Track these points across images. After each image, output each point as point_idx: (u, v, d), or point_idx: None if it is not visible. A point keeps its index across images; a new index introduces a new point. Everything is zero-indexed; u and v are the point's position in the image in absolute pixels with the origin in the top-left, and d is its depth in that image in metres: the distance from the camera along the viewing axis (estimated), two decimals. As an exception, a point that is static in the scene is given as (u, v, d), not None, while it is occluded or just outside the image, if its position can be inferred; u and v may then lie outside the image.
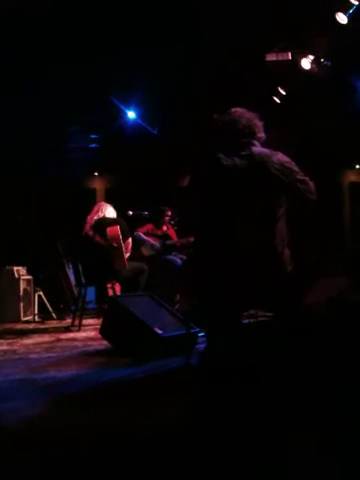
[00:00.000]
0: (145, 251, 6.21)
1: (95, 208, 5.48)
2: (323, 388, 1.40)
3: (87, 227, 5.27)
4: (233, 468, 1.30)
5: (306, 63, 5.41)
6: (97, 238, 5.15)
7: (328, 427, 1.32)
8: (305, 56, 5.33)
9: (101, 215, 5.33)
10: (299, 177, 2.74)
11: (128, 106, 7.15)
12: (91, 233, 5.20)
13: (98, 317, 5.77)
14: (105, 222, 5.25)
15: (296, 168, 2.77)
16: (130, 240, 5.40)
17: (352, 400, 1.37)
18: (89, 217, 5.36)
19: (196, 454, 1.41)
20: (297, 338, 1.59)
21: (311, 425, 1.33)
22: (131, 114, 7.29)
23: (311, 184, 2.77)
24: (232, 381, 1.49)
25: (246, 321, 4.06)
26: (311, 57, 5.34)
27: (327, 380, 1.41)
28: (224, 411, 1.43)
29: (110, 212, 5.42)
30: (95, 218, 5.29)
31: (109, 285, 5.31)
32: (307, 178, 2.77)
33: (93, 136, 8.16)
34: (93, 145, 8.35)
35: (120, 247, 5.06)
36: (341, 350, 1.50)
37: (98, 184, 9.31)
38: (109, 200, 5.74)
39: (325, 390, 1.39)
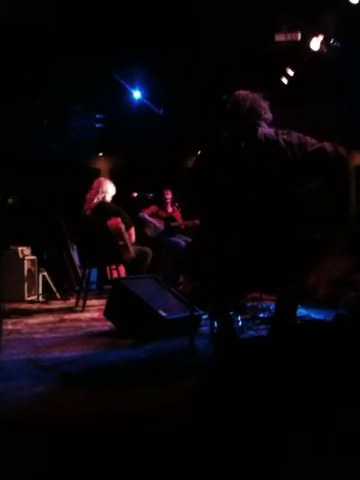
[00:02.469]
0: (149, 232, 6.21)
1: (95, 184, 5.33)
2: (319, 392, 1.40)
3: (88, 206, 5.19)
4: (232, 467, 1.31)
5: (315, 43, 5.32)
6: (100, 225, 5.03)
7: (323, 431, 1.33)
8: (315, 36, 5.23)
9: (101, 197, 5.20)
10: (311, 149, 2.69)
11: (133, 85, 7.06)
12: (93, 219, 5.10)
13: (98, 298, 5.80)
14: (106, 209, 5.14)
15: (306, 140, 2.71)
16: (132, 230, 5.35)
17: (347, 404, 1.38)
18: (89, 195, 5.25)
19: (194, 450, 1.42)
20: (295, 342, 1.59)
21: (307, 429, 1.34)
22: (136, 94, 7.20)
23: (330, 149, 2.67)
24: (234, 383, 1.49)
25: (249, 305, 4.10)
26: (321, 37, 5.25)
27: (323, 384, 1.41)
28: (226, 411, 1.44)
29: (111, 190, 5.30)
30: (95, 201, 5.17)
31: (113, 267, 5.31)
32: (323, 145, 2.68)
33: (98, 116, 8.08)
34: (98, 125, 8.28)
35: (125, 243, 5.02)
36: (337, 354, 1.50)
37: (102, 164, 9.25)
38: (113, 181, 5.67)
39: (321, 394, 1.40)
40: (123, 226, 5.07)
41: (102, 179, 5.57)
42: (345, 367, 1.49)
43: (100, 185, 5.30)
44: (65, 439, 1.75)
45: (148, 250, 5.38)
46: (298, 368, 1.47)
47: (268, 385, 1.43)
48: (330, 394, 1.39)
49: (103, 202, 5.20)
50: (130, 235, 5.28)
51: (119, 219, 5.08)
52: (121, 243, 4.98)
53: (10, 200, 5.74)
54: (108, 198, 5.29)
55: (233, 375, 1.52)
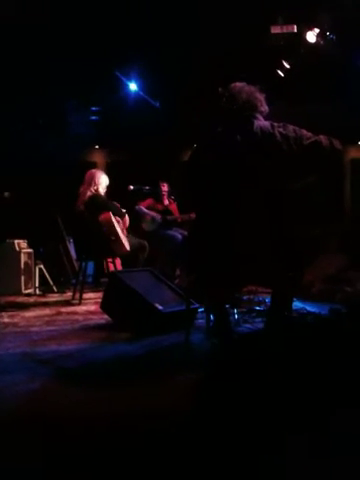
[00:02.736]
0: (145, 226, 6.20)
1: (87, 177, 5.24)
2: (318, 390, 1.42)
3: (81, 200, 5.14)
4: (231, 465, 1.32)
5: (311, 36, 5.31)
6: (92, 220, 5.01)
7: (322, 429, 1.35)
8: (310, 29, 5.22)
9: (94, 189, 5.14)
10: (307, 142, 2.68)
11: (130, 78, 7.03)
12: (85, 213, 5.07)
13: (95, 291, 5.82)
14: (97, 204, 5.08)
15: (302, 133, 2.70)
16: (127, 218, 5.34)
17: (345, 402, 1.39)
18: (82, 188, 5.20)
19: (193, 447, 1.43)
20: (294, 340, 1.60)
21: (306, 427, 1.36)
22: (133, 86, 7.17)
23: (325, 142, 2.67)
24: (232, 379, 1.50)
25: (245, 298, 4.12)
26: (316, 30, 5.23)
27: (321, 382, 1.43)
28: (224, 408, 1.45)
29: (103, 181, 5.23)
30: (88, 194, 5.12)
31: (109, 259, 5.31)
32: (319, 138, 2.68)
33: (93, 108, 8.05)
34: (93, 118, 8.25)
35: (118, 238, 5.01)
36: (336, 352, 1.51)
37: (98, 157, 9.25)
38: (110, 174, 5.64)
39: (320, 392, 1.41)
40: (116, 220, 5.07)
41: (94, 171, 5.46)
42: (342, 363, 1.50)
43: (92, 177, 5.22)
44: (61, 439, 1.75)
45: (145, 243, 5.39)
46: (295, 364, 1.48)
47: (265, 381, 1.44)
48: (327, 391, 1.41)
49: (95, 196, 5.13)
50: (124, 223, 5.28)
51: (110, 214, 5.06)
52: (113, 238, 4.97)
53: (6, 194, 5.73)
54: (101, 190, 5.22)
55: (231, 372, 1.53)
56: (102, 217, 5.03)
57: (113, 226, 5.00)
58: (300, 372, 1.46)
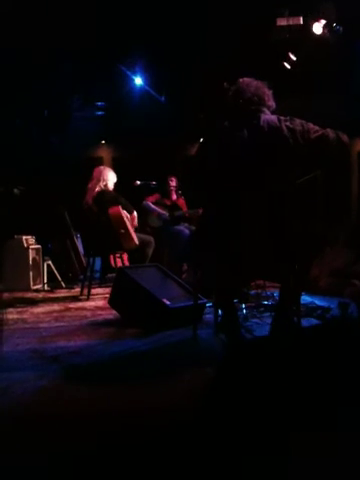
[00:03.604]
0: (152, 222, 6.20)
1: (95, 173, 5.33)
2: (322, 389, 1.41)
3: (89, 196, 5.21)
4: (233, 465, 1.32)
5: (318, 28, 5.25)
6: (101, 214, 5.07)
7: (326, 428, 1.34)
8: (317, 20, 5.17)
9: (103, 185, 5.21)
10: (314, 136, 2.67)
11: (135, 72, 7.00)
12: (94, 208, 5.13)
13: (102, 286, 5.83)
14: (106, 198, 5.14)
15: (309, 127, 2.69)
16: (135, 214, 5.38)
17: (350, 401, 1.38)
18: (90, 184, 5.27)
19: (195, 445, 1.43)
20: (299, 340, 1.59)
21: (310, 426, 1.35)
22: (138, 80, 7.15)
23: (332, 136, 2.66)
24: (240, 381, 1.50)
25: (253, 293, 4.12)
26: (323, 21, 5.18)
27: (326, 381, 1.42)
28: (231, 406, 1.44)
29: (111, 177, 5.31)
30: (97, 189, 5.19)
31: (117, 255, 5.32)
32: (326, 131, 2.68)
33: (99, 104, 8.03)
34: (99, 113, 8.23)
35: (127, 231, 5.03)
36: (341, 352, 1.50)
37: (105, 152, 9.24)
38: (116, 169, 5.66)
39: (324, 391, 1.40)
40: (125, 213, 5.10)
41: (102, 167, 5.56)
42: (350, 362, 1.49)
43: (100, 173, 5.31)
44: (67, 437, 1.75)
45: (151, 239, 5.40)
46: (302, 362, 1.48)
47: (271, 380, 1.44)
48: (334, 391, 1.40)
49: (103, 191, 5.20)
50: (133, 219, 5.32)
51: (119, 207, 5.11)
52: (122, 231, 5.00)
53: (16, 190, 5.74)
54: (110, 185, 5.30)
55: (237, 369, 1.53)
56: (112, 211, 5.08)
57: (123, 219, 5.06)
58: (307, 370, 1.46)
